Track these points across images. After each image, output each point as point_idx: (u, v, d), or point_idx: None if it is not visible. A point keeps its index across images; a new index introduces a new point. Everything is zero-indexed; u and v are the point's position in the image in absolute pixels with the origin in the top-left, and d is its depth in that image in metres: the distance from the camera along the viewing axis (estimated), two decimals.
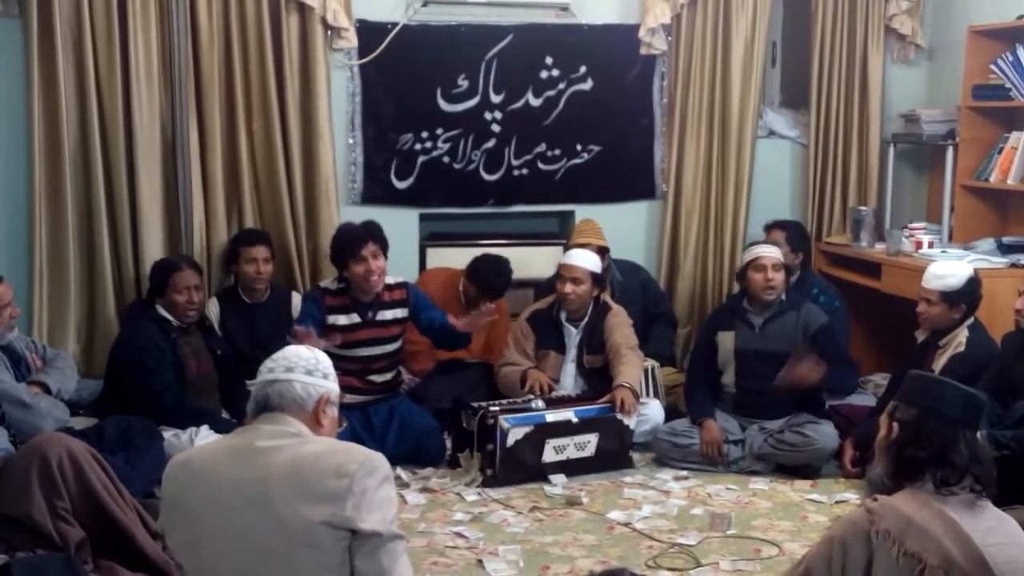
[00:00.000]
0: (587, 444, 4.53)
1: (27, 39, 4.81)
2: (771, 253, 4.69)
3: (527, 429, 4.40)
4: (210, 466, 2.31)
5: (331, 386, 2.42)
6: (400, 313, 4.71)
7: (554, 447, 4.46)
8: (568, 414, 4.53)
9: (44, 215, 4.91)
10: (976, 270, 4.35)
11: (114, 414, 4.16)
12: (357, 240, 4.55)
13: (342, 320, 4.61)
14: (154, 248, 5.01)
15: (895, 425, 2.39)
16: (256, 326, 4.94)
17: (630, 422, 4.59)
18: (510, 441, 4.37)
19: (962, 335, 4.25)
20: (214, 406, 4.50)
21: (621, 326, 4.82)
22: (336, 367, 2.53)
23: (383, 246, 4.62)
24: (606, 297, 4.97)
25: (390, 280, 4.69)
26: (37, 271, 4.92)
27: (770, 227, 5.33)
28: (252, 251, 4.94)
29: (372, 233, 4.59)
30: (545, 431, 4.44)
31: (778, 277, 4.64)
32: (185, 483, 2.32)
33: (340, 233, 4.70)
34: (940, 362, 4.25)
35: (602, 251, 5.11)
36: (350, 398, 4.49)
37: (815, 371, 4.47)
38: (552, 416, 4.50)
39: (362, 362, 4.64)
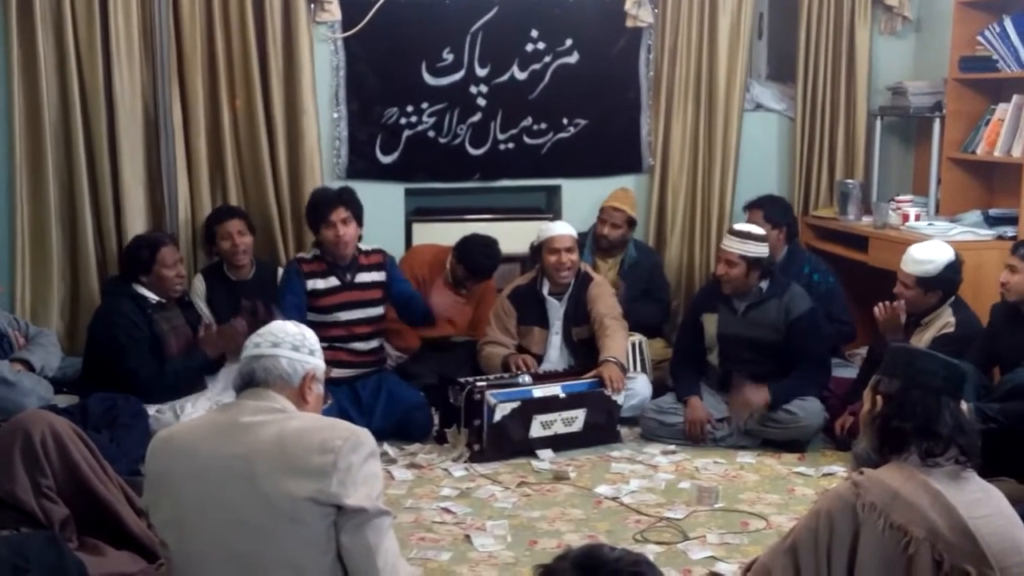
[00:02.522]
0: (575, 419, 4.52)
1: (5, 13, 4.75)
2: (729, 248, 4.50)
3: (514, 405, 4.39)
4: (193, 442, 2.30)
5: (317, 362, 2.42)
6: (378, 276, 4.73)
7: (541, 423, 4.45)
8: (555, 389, 4.52)
9: (25, 192, 4.87)
10: (958, 253, 4.24)
11: (94, 391, 4.16)
12: (327, 204, 4.58)
13: (320, 284, 4.63)
14: (137, 225, 4.97)
15: (879, 398, 2.39)
16: (241, 303, 4.90)
17: (618, 398, 4.58)
18: (497, 417, 4.36)
19: (947, 315, 4.22)
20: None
21: (604, 296, 4.83)
22: (321, 336, 2.52)
23: (355, 211, 4.63)
24: (586, 267, 4.98)
25: (364, 247, 4.73)
26: (19, 248, 4.88)
27: (748, 208, 5.27)
28: (226, 226, 4.89)
29: (343, 198, 4.61)
30: (532, 407, 4.43)
31: (732, 272, 4.49)
32: (168, 459, 2.31)
33: (312, 197, 4.76)
34: (922, 337, 4.22)
35: (631, 222, 5.26)
36: (337, 372, 4.50)
37: (758, 395, 4.46)
38: (539, 391, 4.49)
39: (345, 327, 4.64)
